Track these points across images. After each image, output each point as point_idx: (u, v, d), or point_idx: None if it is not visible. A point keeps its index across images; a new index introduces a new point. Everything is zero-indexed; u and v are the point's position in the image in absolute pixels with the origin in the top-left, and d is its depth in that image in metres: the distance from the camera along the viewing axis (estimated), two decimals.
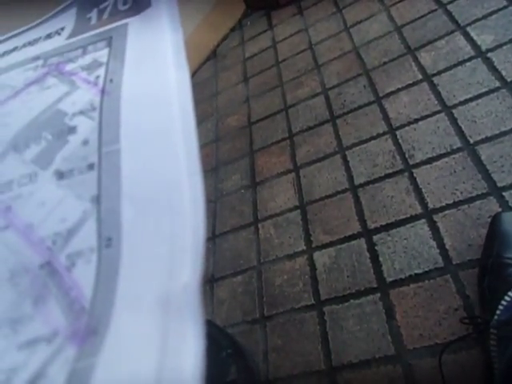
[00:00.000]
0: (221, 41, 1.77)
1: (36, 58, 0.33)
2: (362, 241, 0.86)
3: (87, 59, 0.31)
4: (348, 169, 1.00)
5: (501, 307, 0.58)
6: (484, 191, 0.79)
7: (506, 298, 0.59)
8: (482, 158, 0.83)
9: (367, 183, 0.95)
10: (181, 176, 0.22)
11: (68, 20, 0.36)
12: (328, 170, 1.03)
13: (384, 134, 1.01)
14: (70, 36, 0.34)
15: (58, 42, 0.34)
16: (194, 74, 1.71)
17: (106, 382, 0.18)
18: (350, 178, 0.98)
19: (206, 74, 1.69)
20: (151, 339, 0.18)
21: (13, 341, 0.20)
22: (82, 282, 0.21)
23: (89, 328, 0.20)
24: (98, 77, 0.29)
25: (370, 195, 0.92)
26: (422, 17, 1.18)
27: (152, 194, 0.23)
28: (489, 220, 0.72)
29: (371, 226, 0.88)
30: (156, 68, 0.28)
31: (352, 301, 0.80)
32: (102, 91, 0.28)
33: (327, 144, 1.08)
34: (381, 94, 1.09)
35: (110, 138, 0.25)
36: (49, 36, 0.35)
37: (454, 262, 0.75)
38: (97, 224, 0.23)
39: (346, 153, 1.03)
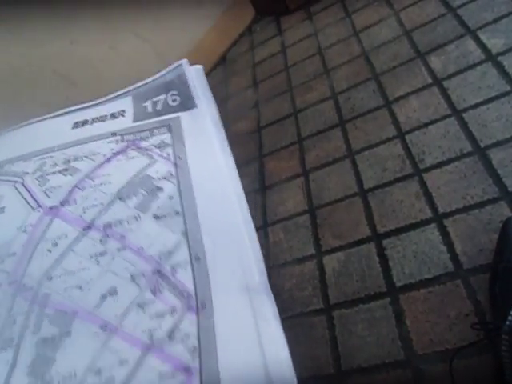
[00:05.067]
0: (230, 46, 1.79)
1: (114, 134, 0.45)
2: (372, 245, 0.86)
3: (156, 140, 0.44)
4: (357, 173, 1.00)
5: None
6: (495, 196, 0.79)
7: None
8: (493, 162, 0.83)
9: (377, 187, 0.94)
10: (239, 224, 0.37)
11: (126, 105, 0.49)
12: (337, 175, 1.03)
13: (393, 138, 1.00)
14: (135, 119, 0.47)
15: (125, 122, 0.47)
16: None
17: (223, 333, 0.31)
18: (360, 182, 0.98)
19: (215, 78, 1.71)
20: (244, 308, 0.32)
21: (143, 316, 0.32)
22: (184, 280, 0.34)
23: (198, 305, 0.32)
24: (168, 154, 0.43)
25: (380, 199, 0.92)
26: (432, 21, 1.18)
27: (221, 232, 0.36)
28: (500, 225, 0.72)
29: (381, 230, 0.87)
30: (211, 153, 0.42)
31: (361, 305, 0.80)
32: (175, 164, 0.42)
33: (336, 148, 1.09)
34: (390, 99, 1.09)
35: (187, 196, 0.39)
36: (113, 115, 0.48)
37: (464, 267, 0.74)
38: (188, 248, 0.36)
39: (356, 157, 1.03)
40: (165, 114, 0.47)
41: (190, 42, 1.65)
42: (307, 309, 0.85)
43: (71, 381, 0.30)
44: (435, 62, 1.08)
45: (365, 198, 0.94)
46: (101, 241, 0.36)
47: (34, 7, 1.16)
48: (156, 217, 0.37)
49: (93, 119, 0.47)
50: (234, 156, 1.33)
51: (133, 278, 0.34)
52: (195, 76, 0.50)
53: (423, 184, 0.88)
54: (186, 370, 0.30)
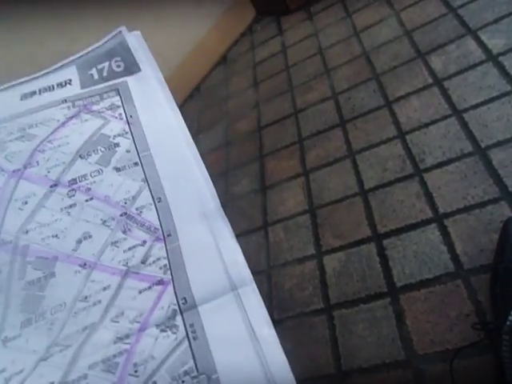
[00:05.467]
0: (231, 46, 1.79)
1: (64, 101, 0.48)
2: (372, 245, 0.86)
3: (107, 103, 0.47)
4: (358, 173, 1.00)
5: None
6: (496, 196, 0.79)
7: None
8: (494, 162, 0.83)
9: (377, 187, 0.94)
10: (191, 164, 0.42)
11: (71, 74, 0.51)
12: (338, 175, 1.03)
13: (394, 138, 1.00)
14: (83, 87, 0.49)
15: (74, 90, 0.49)
16: (204, 79, 1.73)
17: (188, 252, 0.37)
18: (360, 182, 0.98)
19: (216, 78, 1.71)
20: (204, 231, 0.38)
21: (118, 250, 0.37)
22: (150, 218, 0.39)
23: (164, 234, 0.38)
24: (120, 114, 0.46)
25: (380, 200, 0.92)
26: (433, 21, 1.18)
27: (177, 174, 0.42)
28: (500, 225, 0.72)
29: (381, 230, 0.87)
30: (160, 109, 0.46)
31: (362, 305, 0.80)
32: (128, 122, 0.46)
33: (337, 148, 1.09)
34: (391, 99, 1.09)
35: (143, 148, 0.44)
36: (60, 84, 0.50)
37: (465, 267, 0.74)
38: (149, 192, 0.41)
39: (356, 157, 1.03)
40: (111, 79, 0.50)
41: (191, 42, 1.65)
42: (308, 309, 0.85)
43: (62, 309, 0.34)
44: (436, 62, 1.08)
45: (365, 198, 0.94)
46: (68, 195, 0.40)
47: (35, 6, 1.16)
48: (117, 169, 0.42)
49: (40, 90, 0.49)
50: (234, 156, 1.33)
51: (103, 222, 0.38)
52: (135, 41, 0.53)
53: (424, 184, 0.88)
54: (160, 282, 0.36)
